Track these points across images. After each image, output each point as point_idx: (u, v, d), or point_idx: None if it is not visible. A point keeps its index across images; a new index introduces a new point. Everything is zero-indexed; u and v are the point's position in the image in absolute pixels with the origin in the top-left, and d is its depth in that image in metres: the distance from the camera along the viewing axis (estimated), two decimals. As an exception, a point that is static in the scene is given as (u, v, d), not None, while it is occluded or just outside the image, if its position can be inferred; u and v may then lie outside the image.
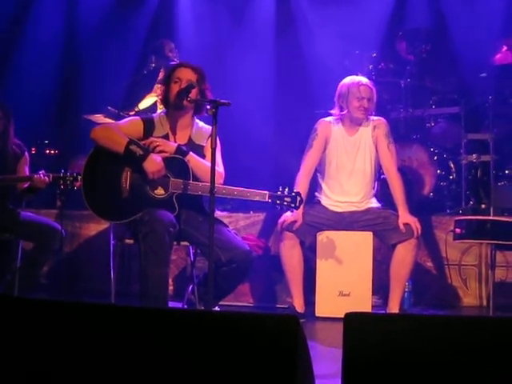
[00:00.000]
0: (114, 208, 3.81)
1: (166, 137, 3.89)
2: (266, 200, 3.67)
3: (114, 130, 3.82)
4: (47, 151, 6.10)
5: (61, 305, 1.92)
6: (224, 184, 3.77)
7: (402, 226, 4.21)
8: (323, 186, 4.49)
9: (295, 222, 4.25)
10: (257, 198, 3.69)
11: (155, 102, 5.88)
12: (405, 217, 4.24)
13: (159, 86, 5.60)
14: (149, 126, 3.90)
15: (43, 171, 4.28)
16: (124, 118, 5.13)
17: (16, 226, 4.39)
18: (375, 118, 4.47)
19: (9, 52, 6.41)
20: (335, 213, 4.42)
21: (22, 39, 6.44)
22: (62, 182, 4.21)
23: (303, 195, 3.85)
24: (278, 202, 3.66)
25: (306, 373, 1.75)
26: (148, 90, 6.03)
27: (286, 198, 3.65)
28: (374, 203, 4.45)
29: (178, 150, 3.80)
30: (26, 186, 4.37)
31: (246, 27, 6.66)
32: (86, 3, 6.63)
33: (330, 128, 4.44)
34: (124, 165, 3.79)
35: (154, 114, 4.05)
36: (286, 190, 3.66)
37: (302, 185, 4.30)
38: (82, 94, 6.37)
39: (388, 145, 4.40)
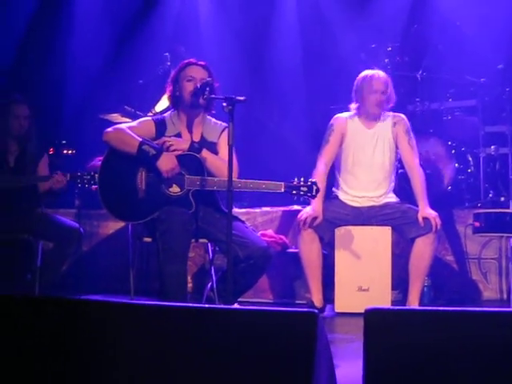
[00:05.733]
0: (132, 209, 3.82)
1: (178, 135, 3.90)
2: (282, 191, 3.65)
3: (125, 131, 3.83)
4: (65, 151, 6.13)
5: (81, 303, 1.93)
6: (239, 178, 3.76)
7: (421, 220, 4.18)
8: (341, 181, 4.47)
9: (316, 218, 4.23)
10: (272, 190, 3.67)
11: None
12: (424, 211, 4.21)
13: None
14: (160, 125, 3.91)
15: (60, 172, 4.31)
16: (140, 117, 5.15)
17: (35, 226, 4.43)
18: (395, 114, 4.47)
19: (26, 53, 6.45)
20: (353, 208, 4.41)
21: (40, 41, 6.48)
22: (79, 180, 4.23)
23: (321, 191, 3.83)
24: (294, 192, 3.64)
25: (326, 369, 1.74)
26: (163, 90, 6.03)
27: (302, 188, 3.63)
28: (393, 198, 4.43)
29: (191, 147, 3.81)
30: (46, 187, 4.39)
31: (263, 23, 6.65)
32: (106, 6, 6.65)
33: (345, 123, 4.43)
34: (138, 165, 3.80)
35: (165, 114, 4.05)
36: (302, 179, 3.65)
37: (319, 181, 4.28)
38: (98, 94, 6.39)
39: (409, 141, 4.39)
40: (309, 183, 3.65)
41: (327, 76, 6.27)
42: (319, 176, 4.29)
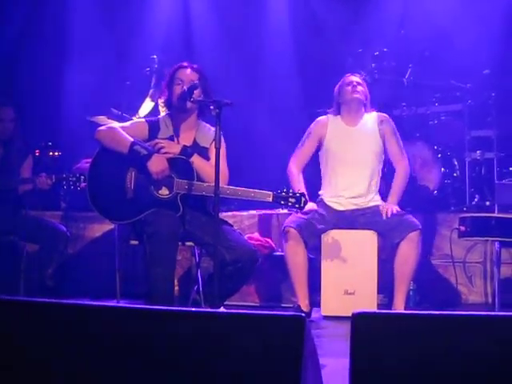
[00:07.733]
0: (119, 209, 3.82)
1: (170, 138, 3.91)
2: (270, 200, 3.68)
3: (118, 130, 3.84)
4: (50, 153, 6.10)
5: (66, 307, 1.92)
6: (228, 185, 3.78)
7: (381, 209, 4.30)
8: (326, 182, 4.49)
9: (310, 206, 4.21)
10: (261, 199, 3.70)
11: (154, 107, 5.86)
12: (388, 203, 4.32)
13: (152, 90, 5.64)
14: (153, 127, 3.92)
15: (44, 174, 4.30)
16: (127, 119, 5.14)
17: (21, 228, 4.41)
18: (379, 113, 4.54)
19: (13, 53, 6.42)
20: (338, 211, 4.41)
21: (28, 41, 6.45)
22: (64, 182, 4.22)
23: (302, 190, 3.86)
24: (282, 202, 3.67)
25: (313, 373, 1.75)
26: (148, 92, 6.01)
27: (290, 199, 3.66)
28: (378, 201, 4.45)
29: (183, 151, 3.82)
30: (27, 188, 4.38)
31: (251, 28, 6.66)
32: (97, 7, 6.63)
33: (325, 125, 4.50)
34: (128, 165, 3.80)
35: (160, 116, 4.07)
36: (291, 190, 3.67)
37: (298, 183, 4.32)
38: (86, 95, 6.36)
39: (397, 142, 4.49)
40: (297, 194, 3.67)
41: (314, 80, 6.28)
42: (295, 181, 4.33)
